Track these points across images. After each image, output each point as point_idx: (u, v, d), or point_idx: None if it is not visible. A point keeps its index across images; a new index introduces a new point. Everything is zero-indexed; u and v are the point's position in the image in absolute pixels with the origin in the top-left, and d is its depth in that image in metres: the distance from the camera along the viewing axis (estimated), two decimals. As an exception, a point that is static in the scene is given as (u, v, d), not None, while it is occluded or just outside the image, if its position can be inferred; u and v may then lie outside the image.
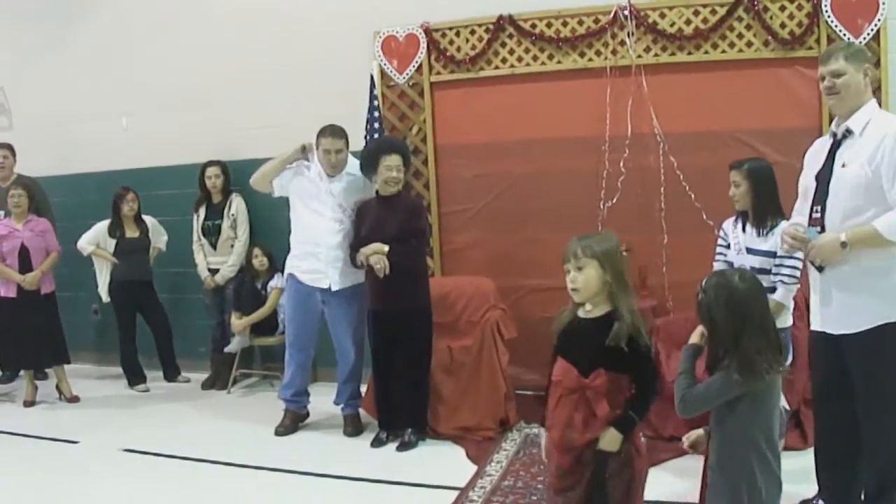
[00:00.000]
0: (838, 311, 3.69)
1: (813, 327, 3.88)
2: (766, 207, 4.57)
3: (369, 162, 5.74)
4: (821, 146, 3.90)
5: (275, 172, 6.04)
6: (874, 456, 3.71)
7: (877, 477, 3.74)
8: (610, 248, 3.29)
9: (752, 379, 2.89)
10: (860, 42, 5.77)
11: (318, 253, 5.93)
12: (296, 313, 6.18)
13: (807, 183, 3.91)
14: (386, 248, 5.54)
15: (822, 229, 3.68)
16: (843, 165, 3.66)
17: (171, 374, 7.85)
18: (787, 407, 4.51)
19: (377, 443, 5.81)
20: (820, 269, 3.75)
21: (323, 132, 5.94)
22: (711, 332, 3.04)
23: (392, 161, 5.65)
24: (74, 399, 7.27)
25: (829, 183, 3.70)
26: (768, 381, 2.93)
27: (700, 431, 3.28)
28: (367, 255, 5.56)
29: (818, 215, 3.72)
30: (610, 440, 3.20)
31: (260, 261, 7.25)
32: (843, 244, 3.55)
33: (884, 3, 5.79)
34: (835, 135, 3.77)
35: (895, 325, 3.57)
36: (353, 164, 6.03)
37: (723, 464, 3.04)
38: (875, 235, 3.49)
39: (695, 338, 3.17)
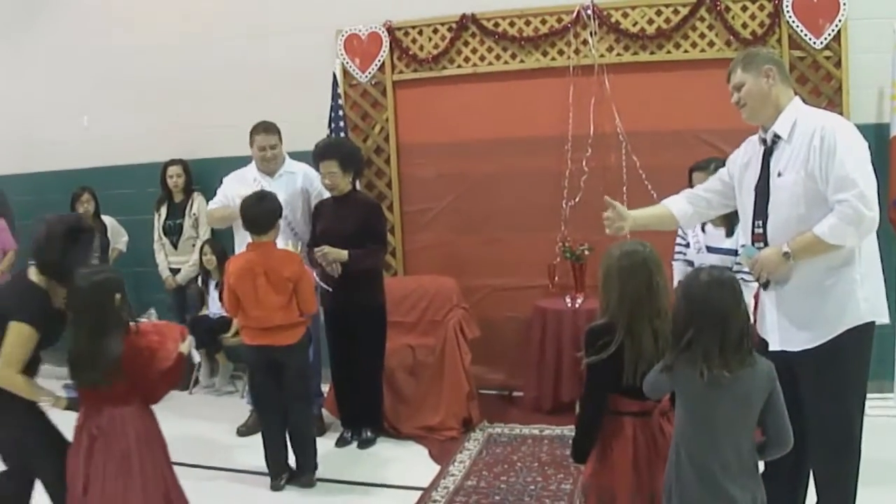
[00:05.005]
0: (783, 329, 3.51)
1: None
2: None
3: (314, 165, 5.75)
4: (749, 151, 3.71)
5: (234, 220, 5.90)
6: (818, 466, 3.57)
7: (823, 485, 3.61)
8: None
9: (675, 376, 2.85)
10: (820, 42, 5.85)
11: None
12: None
13: (731, 177, 3.80)
14: (345, 255, 5.50)
15: (766, 244, 3.51)
16: (779, 174, 3.48)
17: (132, 375, 7.70)
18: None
19: (341, 442, 5.80)
20: (765, 285, 3.57)
21: (256, 129, 5.96)
22: (673, 324, 2.92)
23: (325, 167, 5.60)
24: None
25: (767, 195, 3.52)
26: (705, 383, 2.77)
27: None
28: (330, 255, 5.47)
29: (760, 230, 3.55)
30: None
31: (209, 258, 7.06)
32: (786, 254, 3.37)
33: (844, 4, 5.84)
34: (765, 141, 3.58)
35: (838, 338, 3.38)
36: (290, 163, 6.08)
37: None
38: (817, 241, 3.30)
39: None
